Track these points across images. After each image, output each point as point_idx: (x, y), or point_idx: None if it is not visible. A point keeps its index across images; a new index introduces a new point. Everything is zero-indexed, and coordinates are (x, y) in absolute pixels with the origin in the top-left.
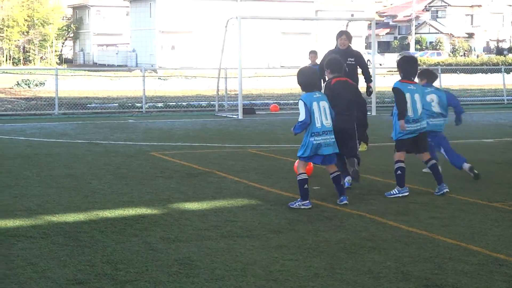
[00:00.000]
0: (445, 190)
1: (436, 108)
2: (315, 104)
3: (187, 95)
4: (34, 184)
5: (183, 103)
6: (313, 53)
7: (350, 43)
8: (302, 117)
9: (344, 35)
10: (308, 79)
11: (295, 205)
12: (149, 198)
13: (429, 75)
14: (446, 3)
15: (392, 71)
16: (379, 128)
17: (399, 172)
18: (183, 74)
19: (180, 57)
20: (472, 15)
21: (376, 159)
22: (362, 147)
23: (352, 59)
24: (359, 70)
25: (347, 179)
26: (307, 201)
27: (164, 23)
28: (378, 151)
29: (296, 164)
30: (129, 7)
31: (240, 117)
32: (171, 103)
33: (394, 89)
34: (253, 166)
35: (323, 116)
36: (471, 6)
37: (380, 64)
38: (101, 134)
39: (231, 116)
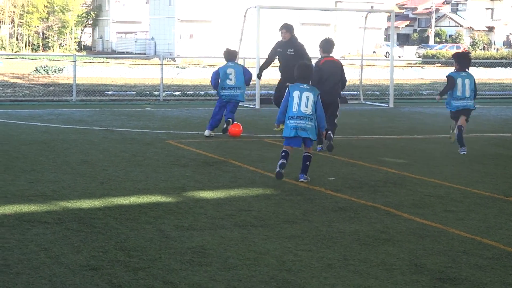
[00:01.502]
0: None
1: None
2: (296, 93)
3: (205, 84)
4: (50, 170)
5: (201, 92)
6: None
7: (292, 35)
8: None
9: (284, 29)
10: (301, 73)
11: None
12: (164, 186)
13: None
14: None
15: (411, 64)
16: (396, 121)
17: (458, 132)
18: (201, 63)
19: (199, 46)
20: (492, 9)
21: (393, 151)
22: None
23: (292, 50)
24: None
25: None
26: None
27: (183, 12)
28: (395, 143)
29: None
30: None
31: (257, 106)
32: (189, 92)
33: (447, 76)
34: (269, 156)
35: (303, 103)
36: (492, 0)
37: (399, 57)
38: (118, 121)
39: (248, 106)
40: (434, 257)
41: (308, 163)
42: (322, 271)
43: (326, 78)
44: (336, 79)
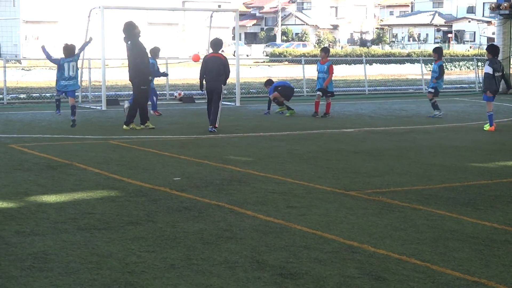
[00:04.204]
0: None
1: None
2: (66, 64)
3: (51, 86)
4: None
5: (47, 94)
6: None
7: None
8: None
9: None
10: (67, 51)
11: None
12: (5, 191)
13: None
14: None
15: (259, 62)
16: (242, 119)
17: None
18: (47, 64)
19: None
20: (336, 7)
21: (238, 149)
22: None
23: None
24: None
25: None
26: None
27: (29, 13)
28: (241, 141)
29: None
30: None
31: (104, 108)
32: (35, 94)
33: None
34: (115, 158)
35: (71, 70)
36: None
37: (247, 55)
38: None
39: (94, 107)
40: (276, 253)
41: (75, 110)
42: (165, 272)
43: (210, 69)
44: (219, 71)
